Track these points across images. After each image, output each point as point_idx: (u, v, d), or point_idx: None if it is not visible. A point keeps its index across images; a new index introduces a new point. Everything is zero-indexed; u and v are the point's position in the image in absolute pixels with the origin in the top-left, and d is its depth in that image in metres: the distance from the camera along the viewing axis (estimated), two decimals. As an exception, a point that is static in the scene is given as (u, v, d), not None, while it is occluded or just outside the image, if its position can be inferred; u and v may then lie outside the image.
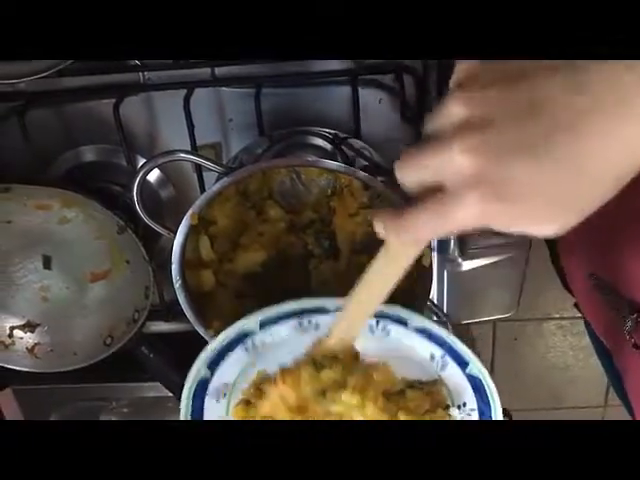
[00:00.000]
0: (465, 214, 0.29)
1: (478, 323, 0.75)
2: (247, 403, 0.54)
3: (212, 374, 0.55)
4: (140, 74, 0.63)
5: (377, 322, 0.55)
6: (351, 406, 0.51)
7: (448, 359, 0.55)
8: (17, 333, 0.69)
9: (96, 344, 0.68)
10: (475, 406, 0.56)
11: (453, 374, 0.55)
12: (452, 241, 0.68)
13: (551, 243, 0.77)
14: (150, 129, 0.67)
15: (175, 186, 0.69)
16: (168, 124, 0.66)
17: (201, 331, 0.59)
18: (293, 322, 0.54)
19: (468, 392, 0.56)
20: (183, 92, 0.62)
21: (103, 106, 0.64)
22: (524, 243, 0.69)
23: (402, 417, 0.53)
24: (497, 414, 0.55)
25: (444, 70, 0.61)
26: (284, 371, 0.51)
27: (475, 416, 0.56)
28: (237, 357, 0.55)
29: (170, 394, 0.73)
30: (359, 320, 0.46)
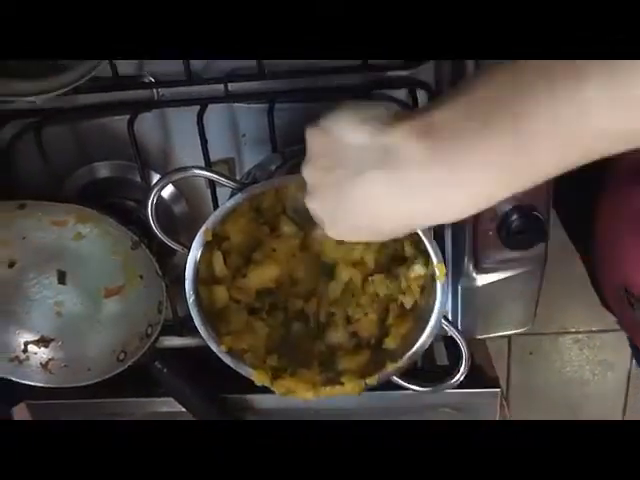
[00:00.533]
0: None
1: (493, 338, 0.75)
2: None
3: None
4: (154, 91, 0.64)
5: None
6: None
7: None
8: (31, 348, 0.70)
9: (110, 359, 0.68)
10: None
11: None
12: (466, 256, 0.67)
13: (588, 264, 0.77)
14: (164, 145, 0.67)
15: (188, 202, 0.70)
16: (182, 140, 0.67)
17: (213, 347, 0.59)
18: None
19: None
20: (196, 108, 0.62)
21: (117, 122, 0.65)
22: (540, 258, 0.68)
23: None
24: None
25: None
26: None
27: None
28: None
29: (183, 409, 0.73)
30: None
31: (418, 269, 0.59)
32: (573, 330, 1.72)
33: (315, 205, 0.45)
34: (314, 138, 0.44)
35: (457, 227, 0.67)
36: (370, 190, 0.39)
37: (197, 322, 0.59)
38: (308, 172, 0.45)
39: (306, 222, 0.61)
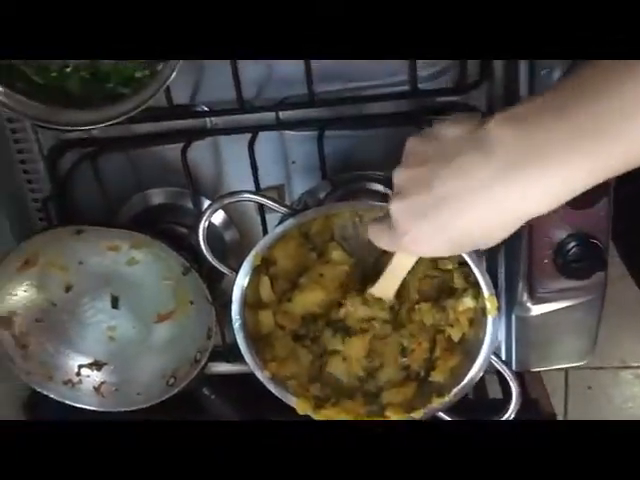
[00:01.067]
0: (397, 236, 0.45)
1: (549, 371, 0.72)
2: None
3: None
4: (207, 119, 0.65)
5: None
6: None
7: None
8: (84, 371, 0.71)
9: (159, 384, 0.69)
10: None
11: None
12: (520, 284, 0.65)
13: None
14: (215, 172, 0.68)
15: (238, 228, 0.70)
16: (233, 167, 0.68)
17: (257, 372, 0.59)
18: None
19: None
20: (248, 136, 0.63)
21: (170, 151, 0.66)
22: (599, 287, 0.65)
23: None
24: None
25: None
26: None
27: None
28: None
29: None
30: (401, 271, 0.55)
31: (467, 302, 0.58)
32: (635, 365, 1.65)
33: (404, 206, 0.43)
34: (411, 143, 0.44)
35: (511, 254, 0.65)
36: (465, 176, 0.39)
37: (242, 347, 0.59)
38: (400, 173, 0.44)
39: (355, 249, 0.61)
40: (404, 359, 0.61)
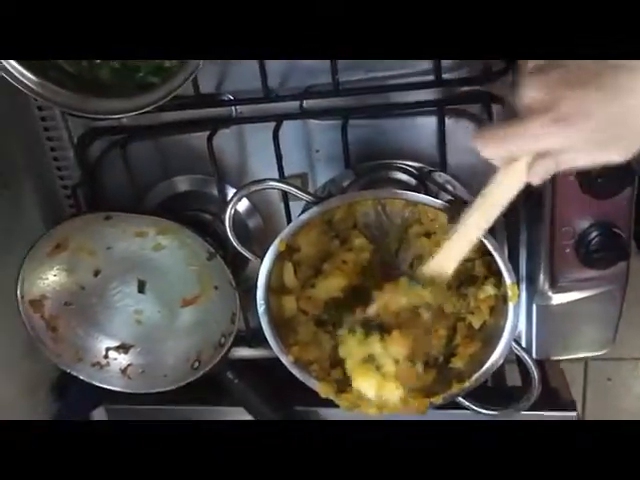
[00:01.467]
0: (539, 132, 0.40)
1: (569, 361, 0.72)
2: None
3: None
4: (232, 108, 0.66)
5: None
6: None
7: None
8: (112, 354, 0.73)
9: (185, 367, 0.71)
10: None
11: None
12: (542, 273, 0.65)
13: None
14: (240, 160, 0.69)
15: (262, 216, 0.71)
16: (257, 155, 0.69)
17: (281, 356, 0.60)
18: None
19: None
20: (272, 125, 0.64)
21: (195, 139, 0.68)
22: (621, 277, 0.65)
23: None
24: None
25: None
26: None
27: None
28: None
29: (253, 418, 0.74)
30: (464, 244, 0.52)
31: (489, 290, 0.58)
32: (655, 356, 1.63)
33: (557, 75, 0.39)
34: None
35: (533, 243, 0.65)
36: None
37: (266, 331, 0.60)
38: (543, 84, 0.40)
39: (377, 237, 0.62)
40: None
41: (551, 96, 0.39)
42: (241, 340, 0.72)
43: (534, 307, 0.67)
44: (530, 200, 0.62)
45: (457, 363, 0.60)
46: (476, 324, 0.60)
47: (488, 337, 0.59)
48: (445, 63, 0.62)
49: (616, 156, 0.42)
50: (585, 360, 1.57)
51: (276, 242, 0.57)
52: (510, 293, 0.55)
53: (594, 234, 0.62)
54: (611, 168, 0.59)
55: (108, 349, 0.73)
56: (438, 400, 0.59)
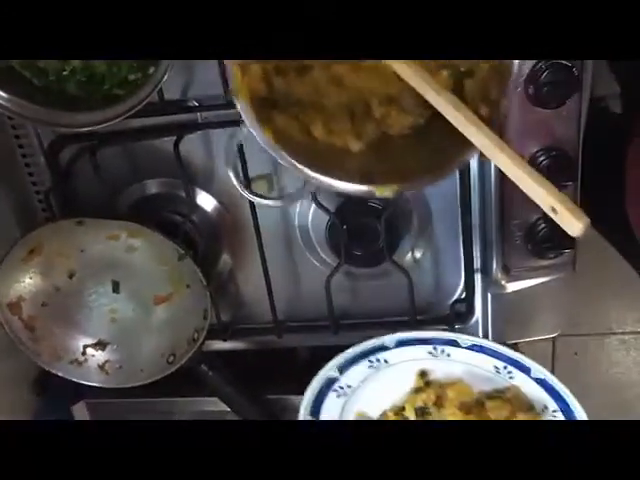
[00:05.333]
0: None
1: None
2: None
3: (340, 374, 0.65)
4: (198, 114, 0.68)
5: (434, 347, 0.61)
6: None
7: (511, 368, 0.60)
8: (90, 351, 0.76)
9: (160, 362, 0.74)
10: (556, 407, 0.60)
11: (523, 381, 0.60)
12: (495, 264, 0.69)
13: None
14: (207, 163, 0.72)
15: (230, 212, 0.74)
16: (223, 158, 0.70)
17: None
18: (365, 362, 0.63)
19: (543, 395, 0.60)
20: (237, 129, 0.67)
21: (164, 143, 0.69)
22: (569, 264, 0.69)
23: None
24: (577, 409, 0.60)
25: None
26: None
27: (561, 417, 0.60)
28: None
29: (228, 408, 0.77)
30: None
31: None
32: (619, 331, 1.69)
33: None
34: None
35: (486, 237, 0.69)
36: None
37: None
38: None
39: None
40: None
41: None
42: (214, 334, 0.75)
43: (489, 296, 0.71)
44: (481, 198, 0.65)
45: None
46: None
47: None
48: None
49: None
50: (553, 338, 1.63)
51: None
52: None
53: (541, 226, 0.66)
54: (555, 165, 0.63)
55: (86, 347, 0.75)
56: None
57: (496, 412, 0.63)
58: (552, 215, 0.46)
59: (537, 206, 0.65)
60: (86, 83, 0.57)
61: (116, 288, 0.73)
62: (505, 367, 0.61)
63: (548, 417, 0.61)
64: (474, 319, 0.73)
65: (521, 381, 0.62)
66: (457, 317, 0.73)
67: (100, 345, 0.76)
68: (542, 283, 0.70)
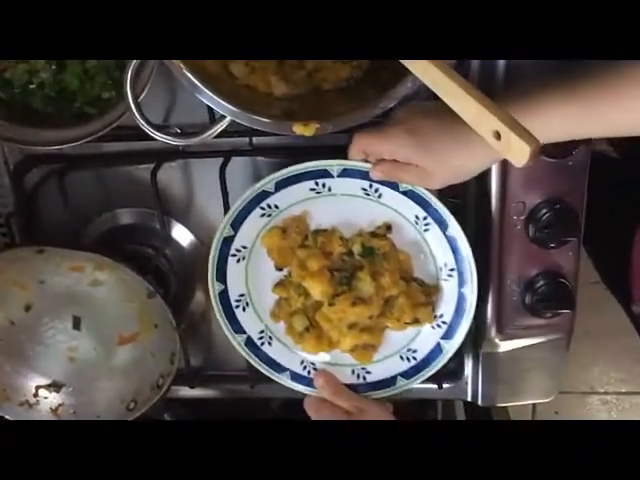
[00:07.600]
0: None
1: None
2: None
3: (235, 233, 0.61)
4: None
5: (370, 185, 0.60)
6: None
7: (430, 220, 0.61)
8: (42, 393, 0.70)
9: (119, 408, 0.68)
10: (454, 267, 0.62)
11: (435, 236, 0.61)
12: (489, 321, 0.65)
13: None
14: (186, 194, 0.67)
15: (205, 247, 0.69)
16: (204, 189, 0.67)
17: None
18: (308, 184, 0.60)
19: (448, 253, 0.61)
20: (220, 160, 0.62)
21: (140, 171, 0.65)
22: (566, 326, 0.66)
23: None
24: (473, 277, 0.61)
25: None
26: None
27: (454, 277, 0.62)
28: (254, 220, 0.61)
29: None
30: None
31: None
32: (602, 391, 1.66)
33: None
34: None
35: (480, 291, 0.65)
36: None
37: None
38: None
39: None
40: None
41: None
42: (180, 380, 0.69)
43: (481, 354, 0.67)
44: (477, 250, 0.61)
45: None
46: None
47: None
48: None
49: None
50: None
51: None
52: None
53: (540, 283, 0.62)
54: (558, 218, 0.60)
55: (38, 387, 0.70)
56: None
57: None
58: (493, 143, 0.41)
59: (537, 260, 0.63)
60: (55, 99, 0.53)
61: (77, 324, 0.68)
62: (425, 217, 0.61)
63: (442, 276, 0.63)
64: (464, 378, 0.69)
65: (432, 237, 0.62)
66: (445, 375, 0.68)
67: (54, 386, 0.70)
68: (538, 344, 0.67)
